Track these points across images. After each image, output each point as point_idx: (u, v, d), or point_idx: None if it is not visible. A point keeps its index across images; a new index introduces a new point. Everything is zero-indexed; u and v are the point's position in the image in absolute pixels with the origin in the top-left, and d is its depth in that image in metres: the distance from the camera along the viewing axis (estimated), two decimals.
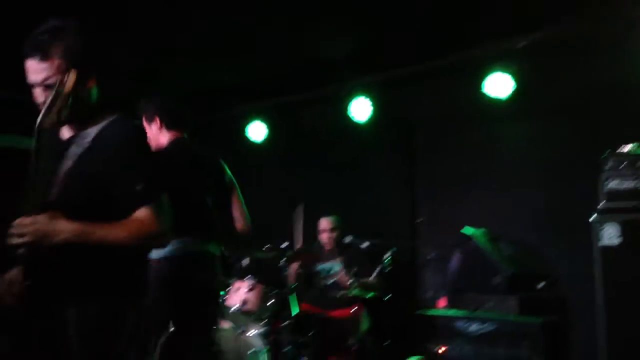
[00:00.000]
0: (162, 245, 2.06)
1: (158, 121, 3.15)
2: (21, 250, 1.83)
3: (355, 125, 5.21)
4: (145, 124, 3.16)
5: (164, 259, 2.86)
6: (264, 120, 5.83)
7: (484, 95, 4.40)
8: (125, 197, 1.92)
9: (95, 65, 2.01)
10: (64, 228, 1.82)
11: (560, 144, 4.28)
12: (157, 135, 3.16)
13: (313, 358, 4.10)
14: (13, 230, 1.81)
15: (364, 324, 4.47)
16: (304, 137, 5.90)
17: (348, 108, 5.14)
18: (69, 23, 1.97)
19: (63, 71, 1.89)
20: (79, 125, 2.02)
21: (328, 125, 5.66)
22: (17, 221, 1.81)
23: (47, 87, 1.91)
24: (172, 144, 3.16)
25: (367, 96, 5.07)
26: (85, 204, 1.91)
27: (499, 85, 4.32)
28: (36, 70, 1.92)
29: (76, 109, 1.94)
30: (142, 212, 1.91)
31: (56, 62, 1.90)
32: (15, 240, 1.80)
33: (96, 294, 1.93)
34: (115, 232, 1.88)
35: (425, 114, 5.14)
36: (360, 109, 5.12)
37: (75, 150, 1.98)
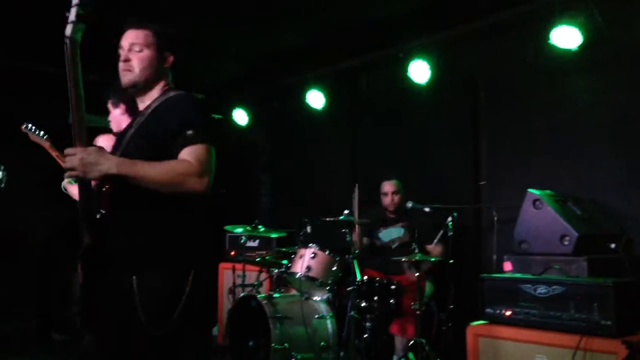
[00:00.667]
0: (201, 192, 2.02)
1: (123, 107, 3.46)
2: (70, 176, 1.95)
3: (415, 88, 5.10)
4: (110, 107, 3.48)
5: None
6: (323, 87, 5.80)
7: (550, 48, 4.18)
8: (177, 142, 2.03)
9: (175, 46, 2.28)
10: (107, 159, 1.94)
11: (632, 96, 4.03)
12: (119, 119, 3.48)
13: (377, 323, 4.14)
14: (64, 159, 1.95)
15: (428, 289, 4.45)
16: (363, 103, 5.84)
17: (407, 70, 5.03)
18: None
19: (149, 44, 2.19)
20: (143, 97, 2.26)
21: (387, 89, 5.58)
22: (66, 150, 1.95)
23: (131, 47, 2.20)
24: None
25: (426, 57, 4.94)
26: (143, 155, 2.03)
27: (566, 37, 4.08)
28: (130, 34, 2.22)
29: (145, 73, 2.20)
30: (185, 153, 2.02)
31: (147, 33, 2.21)
32: (67, 174, 1.95)
33: (155, 264, 2.02)
34: (156, 168, 1.97)
35: (488, 72, 4.95)
36: (420, 71, 5.00)
37: (139, 120, 2.20)
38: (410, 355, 4.08)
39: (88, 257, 2.06)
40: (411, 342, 4.05)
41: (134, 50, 2.20)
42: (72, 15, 1.93)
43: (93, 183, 2.05)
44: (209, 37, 5.15)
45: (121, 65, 2.22)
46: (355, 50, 5.47)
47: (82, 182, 2.00)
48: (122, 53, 2.22)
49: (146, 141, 2.10)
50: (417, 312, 3.95)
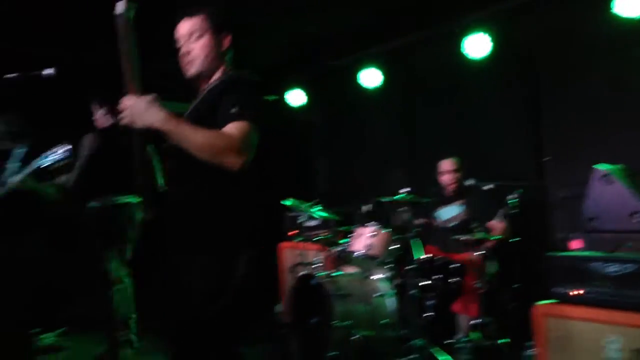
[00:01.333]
0: (236, 168, 2.00)
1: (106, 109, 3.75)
2: (122, 123, 2.00)
3: (472, 64, 4.98)
4: (95, 107, 3.72)
5: None
6: (377, 66, 5.75)
7: (612, 17, 3.99)
8: (222, 117, 2.05)
9: (230, 24, 2.28)
10: (156, 111, 1.96)
11: None
12: (102, 118, 3.77)
13: (439, 301, 4.13)
14: (121, 106, 2.00)
15: (492, 268, 4.39)
16: (419, 81, 5.76)
17: (463, 46, 4.92)
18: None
19: (205, 29, 2.20)
20: (206, 82, 2.26)
21: (443, 66, 5.47)
22: (123, 100, 2.00)
23: (189, 38, 2.21)
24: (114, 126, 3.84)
25: (483, 31, 4.81)
26: None
27: (630, 4, 3.88)
28: (184, 25, 2.23)
29: (207, 61, 2.22)
30: (228, 127, 2.02)
31: (202, 18, 2.22)
32: (124, 120, 2.00)
33: (209, 244, 2.05)
34: (197, 132, 1.98)
35: (547, 45, 4.77)
36: (477, 46, 4.87)
37: (194, 102, 2.24)
38: (474, 334, 4.06)
39: (148, 232, 2.14)
40: (475, 321, 4.02)
41: (193, 39, 2.20)
42: None
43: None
44: (263, 17, 5.16)
45: (182, 58, 2.23)
46: (409, 27, 5.38)
47: (142, 158, 2.06)
48: (181, 45, 2.22)
49: (195, 117, 2.11)
50: (481, 291, 3.91)
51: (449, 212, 4.74)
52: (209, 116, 2.08)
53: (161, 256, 2.13)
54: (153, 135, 2.02)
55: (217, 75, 2.25)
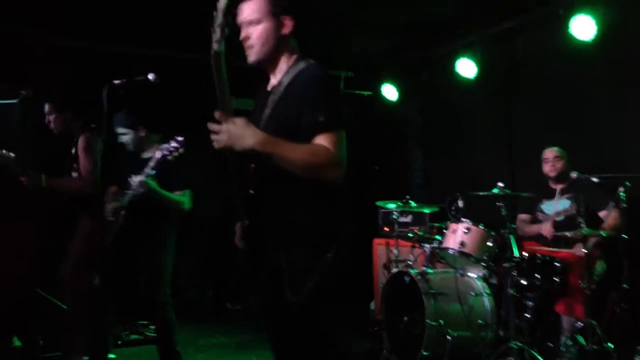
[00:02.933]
0: (336, 181, 2.01)
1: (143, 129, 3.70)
2: (217, 147, 2.00)
3: (578, 47, 4.64)
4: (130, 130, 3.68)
5: None
6: (474, 55, 5.53)
7: None
8: (309, 127, 2.02)
9: (295, 18, 2.18)
10: (253, 134, 1.96)
11: None
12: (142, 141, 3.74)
13: (540, 302, 3.89)
14: (213, 129, 1.99)
15: (599, 267, 4.07)
16: (519, 68, 5.47)
17: (569, 28, 4.59)
18: None
19: (264, 14, 2.13)
20: (272, 70, 2.23)
21: (546, 52, 5.14)
22: (217, 116, 1.99)
23: (248, 23, 2.15)
24: None
25: (591, 11, 4.46)
26: (280, 137, 2.03)
27: None
28: (244, 8, 2.17)
29: (270, 50, 2.17)
30: (321, 139, 2.00)
31: (260, 2, 2.14)
32: (216, 143, 1.99)
33: (301, 240, 2.07)
34: (295, 151, 1.97)
35: None
36: (584, 27, 4.53)
37: (273, 98, 2.18)
38: (580, 337, 3.77)
39: (248, 237, 2.18)
40: (580, 324, 3.75)
41: (252, 25, 2.14)
42: (218, 35, 2.00)
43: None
44: (354, 12, 5.15)
45: (243, 43, 2.18)
46: (508, 11, 5.12)
47: (233, 163, 2.08)
48: (241, 31, 2.17)
49: (282, 124, 2.10)
50: (587, 292, 3.63)
51: (555, 207, 4.45)
52: (294, 121, 2.05)
53: (259, 255, 2.20)
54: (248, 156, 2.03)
55: (283, 63, 2.21)
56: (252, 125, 1.98)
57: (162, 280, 3.60)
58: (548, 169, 4.45)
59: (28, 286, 4.25)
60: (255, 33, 2.15)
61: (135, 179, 3.44)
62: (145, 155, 3.70)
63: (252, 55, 2.18)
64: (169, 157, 3.31)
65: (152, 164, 3.39)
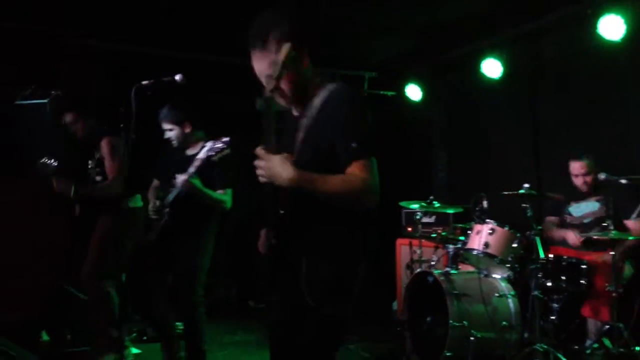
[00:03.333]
0: (371, 207, 2.06)
1: (188, 125, 3.70)
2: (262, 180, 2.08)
3: (606, 47, 4.57)
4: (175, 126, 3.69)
5: None
6: (500, 55, 5.48)
7: None
8: (342, 155, 2.04)
9: (309, 44, 2.19)
10: (289, 172, 2.02)
11: None
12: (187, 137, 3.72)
13: (566, 304, 3.85)
14: (256, 164, 2.07)
15: (627, 270, 4.01)
16: (545, 69, 5.40)
17: (597, 28, 4.52)
18: (281, 11, 2.17)
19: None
20: (304, 101, 2.21)
21: (573, 52, 5.08)
22: (258, 155, 2.06)
23: (269, 76, 2.11)
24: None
25: (620, 10, 4.38)
26: (315, 166, 2.06)
27: None
28: (259, 59, 2.16)
29: (297, 88, 2.17)
30: (354, 167, 2.03)
31: (274, 48, 2.11)
32: (259, 174, 2.07)
33: (325, 252, 2.10)
34: (331, 183, 2.01)
35: None
36: (613, 27, 4.45)
37: (304, 123, 2.18)
38: (606, 341, 3.73)
39: (273, 252, 2.20)
40: (607, 327, 3.70)
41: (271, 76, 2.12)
42: (272, 85, 2.05)
43: None
44: (377, 12, 5.14)
45: (271, 93, 2.14)
46: (535, 11, 5.06)
47: (274, 201, 2.14)
48: (266, 83, 2.12)
49: (316, 151, 2.12)
50: (613, 295, 3.59)
51: (583, 209, 4.39)
52: (327, 148, 2.07)
53: (280, 259, 2.22)
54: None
55: (311, 89, 2.20)
56: (287, 163, 2.03)
57: (198, 280, 3.62)
58: (579, 183, 4.34)
59: (57, 281, 4.33)
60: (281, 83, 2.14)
61: (180, 178, 3.46)
62: (190, 152, 3.73)
63: (285, 102, 2.21)
64: (214, 158, 3.34)
65: (197, 163, 3.42)
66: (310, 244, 2.13)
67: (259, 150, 2.06)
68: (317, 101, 2.16)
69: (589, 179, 4.30)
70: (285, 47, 2.06)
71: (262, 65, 2.16)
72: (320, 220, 2.11)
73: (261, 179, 2.07)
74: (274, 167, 2.03)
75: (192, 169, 3.44)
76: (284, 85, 2.14)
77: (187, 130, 3.71)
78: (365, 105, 2.16)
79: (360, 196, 2.03)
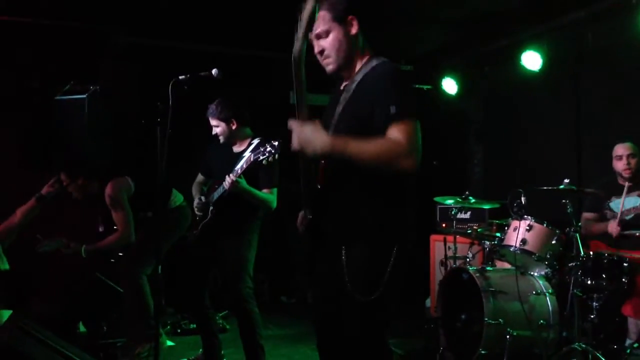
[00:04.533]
0: (411, 171, 2.00)
1: (234, 122, 3.68)
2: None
3: None
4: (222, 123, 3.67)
5: None
6: (540, 47, 5.34)
7: None
8: (381, 120, 2.02)
9: (359, 15, 2.21)
10: (320, 139, 2.00)
11: None
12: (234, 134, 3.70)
13: (606, 303, 3.72)
14: (292, 134, 2.06)
15: None
16: (586, 61, 5.23)
17: None
18: None
19: (330, 24, 2.17)
20: (349, 73, 2.24)
21: (618, 42, 4.90)
22: (291, 123, 2.06)
23: (318, 37, 2.21)
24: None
25: None
26: (352, 135, 2.04)
27: None
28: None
29: (342, 55, 2.20)
30: (393, 132, 2.00)
31: (324, 15, 2.18)
32: (292, 143, 2.06)
33: (363, 236, 2.09)
34: (366, 146, 1.98)
35: None
36: None
37: (345, 96, 2.21)
38: None
39: (310, 229, 2.21)
40: None
41: (322, 38, 2.20)
42: (300, 41, 2.05)
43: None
44: (414, 4, 5.07)
45: (319, 57, 2.23)
46: (576, 1, 4.91)
47: (304, 158, 2.12)
48: (315, 46, 2.22)
49: (354, 119, 2.12)
50: None
51: (625, 204, 4.24)
52: (367, 115, 2.07)
53: (321, 248, 2.23)
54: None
55: (359, 63, 2.23)
56: (320, 130, 2.02)
57: (245, 273, 3.61)
58: (621, 167, 4.23)
59: (93, 273, 4.41)
60: (327, 44, 2.20)
61: (227, 178, 3.44)
62: (236, 149, 3.73)
63: (331, 65, 2.23)
64: (263, 162, 3.28)
65: (244, 164, 3.39)
66: (346, 225, 2.11)
67: (291, 121, 2.06)
68: (360, 75, 2.19)
69: (633, 162, 4.17)
70: (310, 3, 2.04)
71: (316, 27, 2.20)
72: (359, 202, 2.10)
73: (295, 147, 2.04)
74: (307, 134, 2.01)
75: (238, 169, 3.43)
76: (331, 51, 2.19)
77: (234, 127, 3.70)
78: (407, 77, 2.20)
79: (396, 158, 1.98)
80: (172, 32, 5.60)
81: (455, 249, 4.72)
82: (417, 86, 6.76)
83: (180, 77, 3.47)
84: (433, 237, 5.41)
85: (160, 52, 5.67)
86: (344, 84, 2.28)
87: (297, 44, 2.05)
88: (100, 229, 4.17)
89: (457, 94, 6.48)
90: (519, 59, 5.45)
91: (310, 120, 2.05)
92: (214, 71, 3.49)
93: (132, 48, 5.61)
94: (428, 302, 5.37)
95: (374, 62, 2.19)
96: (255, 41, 5.74)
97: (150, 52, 5.67)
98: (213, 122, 3.72)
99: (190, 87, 3.47)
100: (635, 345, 3.63)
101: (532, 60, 5.39)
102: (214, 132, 3.74)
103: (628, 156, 4.20)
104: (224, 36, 5.73)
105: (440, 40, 6.05)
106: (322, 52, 2.22)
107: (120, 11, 5.11)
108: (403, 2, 5.01)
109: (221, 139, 3.73)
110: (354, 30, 2.21)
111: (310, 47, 2.19)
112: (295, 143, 2.03)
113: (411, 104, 2.05)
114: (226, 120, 3.69)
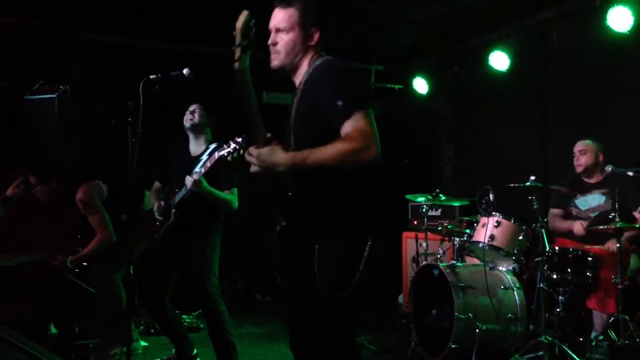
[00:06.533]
0: (373, 161, 2.01)
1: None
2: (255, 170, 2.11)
3: (616, 39, 4.53)
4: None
5: None
6: (508, 47, 5.46)
7: None
8: (334, 117, 2.04)
9: (322, 30, 2.25)
10: (282, 158, 2.04)
11: None
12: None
13: (572, 296, 3.84)
14: (248, 158, 2.10)
15: (633, 262, 3.99)
16: (552, 61, 5.37)
17: (606, 19, 4.49)
18: None
19: (293, 24, 2.20)
20: (293, 74, 2.28)
21: (582, 43, 5.04)
22: (248, 151, 2.11)
23: (277, 30, 2.23)
24: None
25: (628, 2, 4.35)
26: (312, 138, 2.07)
27: None
28: (276, 15, 2.24)
29: (291, 60, 2.24)
30: (347, 127, 2.02)
31: (292, 13, 2.21)
32: (252, 169, 2.11)
33: (334, 234, 2.12)
34: (322, 152, 2.00)
35: None
36: (621, 19, 4.43)
37: (296, 99, 2.24)
38: (611, 333, 3.72)
39: (284, 235, 2.24)
40: (612, 319, 3.69)
41: (280, 32, 2.21)
42: (238, 54, 2.06)
43: None
44: (384, 4, 5.13)
45: (270, 48, 2.25)
46: (542, 2, 5.03)
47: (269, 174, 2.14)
48: (270, 36, 2.24)
49: (309, 120, 2.15)
50: (619, 287, 3.58)
51: (590, 202, 4.37)
52: (318, 114, 2.10)
53: (294, 247, 2.26)
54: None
55: (305, 64, 2.25)
56: (277, 150, 2.05)
57: (211, 274, 3.62)
58: (574, 163, 4.37)
59: (64, 274, 4.36)
60: (282, 41, 2.23)
61: (189, 178, 3.44)
62: (194, 152, 3.71)
63: (276, 61, 2.26)
64: (228, 158, 3.28)
65: (209, 164, 3.40)
66: (318, 225, 2.15)
67: (248, 150, 2.09)
68: (305, 76, 2.22)
69: (582, 159, 4.30)
70: (243, 14, 2.06)
71: (274, 21, 2.25)
72: (328, 202, 2.13)
73: (254, 169, 2.09)
74: (266, 158, 2.05)
75: (201, 170, 3.43)
76: (283, 48, 2.22)
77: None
78: (351, 70, 2.17)
79: (356, 155, 1.99)
80: (143, 31, 5.56)
81: (427, 245, 4.80)
82: (388, 86, 6.85)
83: (151, 77, 3.45)
84: (405, 234, 5.48)
85: (131, 51, 5.63)
86: (296, 88, 2.30)
87: (236, 56, 2.06)
88: (79, 236, 4.12)
89: (428, 93, 6.58)
90: (487, 59, 5.57)
91: (265, 143, 2.09)
92: (185, 71, 3.47)
93: (102, 46, 5.55)
94: (400, 299, 5.45)
95: (318, 62, 2.21)
96: (225, 40, 5.73)
97: (121, 51, 5.62)
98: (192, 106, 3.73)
99: (161, 86, 3.46)
100: (600, 337, 3.74)
101: (499, 60, 5.51)
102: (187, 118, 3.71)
103: (579, 152, 4.33)
104: (195, 35, 5.70)
105: (410, 41, 6.13)
106: (275, 44, 2.23)
107: (89, 9, 5.06)
108: (373, 3, 5.06)
109: (190, 123, 3.69)
110: (312, 42, 2.24)
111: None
112: (254, 169, 2.08)
113: (358, 94, 2.07)
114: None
